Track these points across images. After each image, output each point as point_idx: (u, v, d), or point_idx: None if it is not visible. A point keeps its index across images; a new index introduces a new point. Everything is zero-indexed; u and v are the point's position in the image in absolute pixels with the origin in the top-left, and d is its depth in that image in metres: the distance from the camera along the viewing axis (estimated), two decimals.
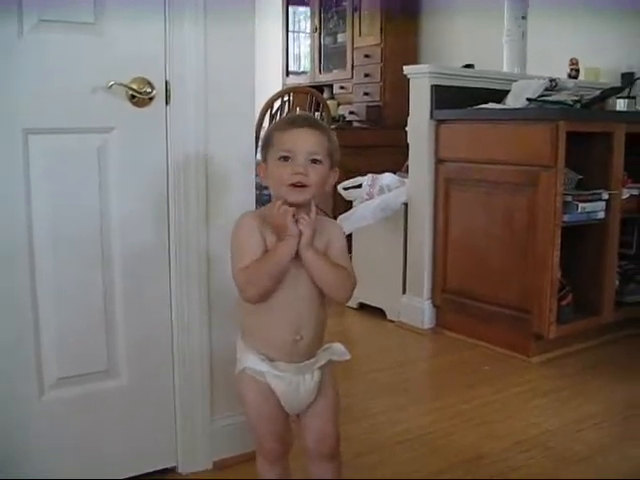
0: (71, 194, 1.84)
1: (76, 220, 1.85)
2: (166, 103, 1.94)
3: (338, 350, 1.66)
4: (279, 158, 1.53)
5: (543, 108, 3.25)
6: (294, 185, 1.51)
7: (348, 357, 1.66)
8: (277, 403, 1.62)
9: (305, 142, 1.53)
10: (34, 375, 1.85)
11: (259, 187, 3.45)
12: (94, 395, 1.95)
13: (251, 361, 1.60)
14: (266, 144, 1.59)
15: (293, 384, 1.60)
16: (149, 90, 1.88)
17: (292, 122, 1.58)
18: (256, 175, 2.08)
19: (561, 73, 4.14)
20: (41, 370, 1.86)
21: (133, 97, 1.87)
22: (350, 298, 1.64)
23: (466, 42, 5.20)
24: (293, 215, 1.50)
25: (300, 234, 1.50)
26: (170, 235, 2.00)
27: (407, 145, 3.69)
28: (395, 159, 4.40)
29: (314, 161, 1.53)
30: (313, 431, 1.67)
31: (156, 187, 1.97)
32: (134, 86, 1.85)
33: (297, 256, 1.52)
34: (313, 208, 1.54)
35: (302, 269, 1.55)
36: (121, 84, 1.83)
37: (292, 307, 1.57)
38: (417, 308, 3.62)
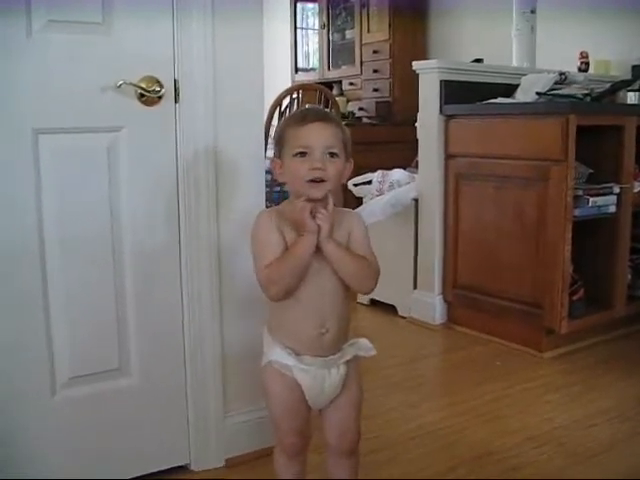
0: (81, 193, 1.84)
1: (86, 219, 1.86)
2: (175, 102, 1.94)
3: (364, 345, 1.66)
4: (295, 154, 1.53)
5: (553, 102, 3.24)
6: (313, 181, 1.52)
7: (374, 353, 1.66)
8: (301, 397, 1.62)
9: (321, 136, 1.53)
10: (46, 374, 1.86)
11: (269, 184, 3.46)
12: (106, 394, 1.96)
13: (277, 354, 1.61)
14: (280, 141, 1.59)
15: (318, 378, 1.61)
16: (158, 89, 1.88)
17: (305, 117, 1.57)
18: (267, 172, 2.08)
19: (571, 67, 4.11)
20: (53, 369, 1.87)
21: (142, 96, 1.87)
22: (374, 288, 1.63)
23: (475, 37, 5.18)
24: (311, 211, 1.50)
25: (319, 228, 1.51)
26: (180, 233, 2.00)
27: (417, 141, 3.68)
28: (405, 155, 4.39)
29: (331, 155, 1.53)
30: (335, 426, 1.68)
31: (166, 185, 1.97)
32: (143, 85, 1.86)
33: (319, 250, 1.53)
34: (330, 201, 1.54)
35: (324, 263, 1.55)
36: (130, 83, 1.83)
37: (316, 301, 1.57)
38: (428, 304, 3.62)
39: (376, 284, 1.62)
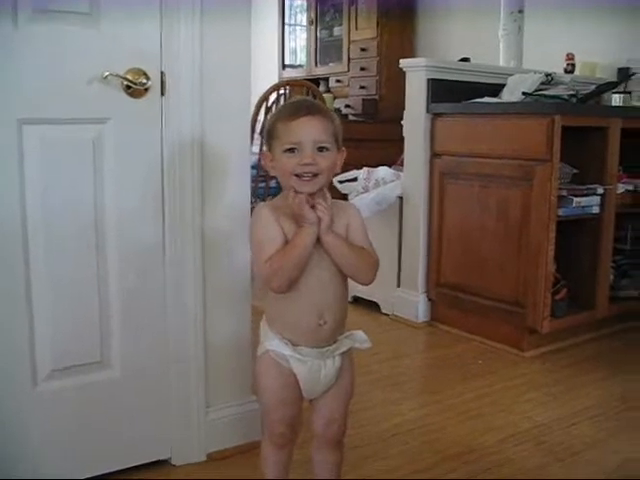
0: (66, 185, 1.83)
1: (71, 211, 1.85)
2: (161, 94, 1.94)
3: (360, 337, 1.67)
4: (285, 150, 1.53)
5: (539, 102, 3.26)
6: (302, 175, 1.52)
7: (369, 345, 1.67)
8: (296, 387, 1.63)
9: (310, 131, 1.52)
10: (28, 366, 1.85)
11: (254, 179, 3.46)
12: (88, 386, 1.95)
13: (275, 345, 1.62)
14: (270, 135, 1.59)
15: (315, 368, 1.62)
16: (144, 81, 1.88)
17: (295, 111, 1.56)
18: (252, 167, 2.09)
19: (557, 68, 4.14)
20: (34, 361, 1.86)
21: (128, 88, 1.86)
22: (373, 279, 1.63)
23: (462, 36, 5.20)
24: (309, 202, 1.51)
25: (319, 220, 1.51)
26: (165, 226, 1.99)
27: (403, 139, 3.69)
28: (391, 152, 4.40)
29: (321, 149, 1.53)
30: (324, 415, 1.70)
31: (151, 178, 1.96)
32: (129, 77, 1.85)
33: (318, 242, 1.54)
34: (327, 194, 1.55)
35: (324, 255, 1.56)
36: (116, 75, 1.83)
37: (315, 292, 1.58)
38: (412, 302, 3.63)
39: (375, 275, 1.63)
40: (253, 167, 2.30)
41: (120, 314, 1.97)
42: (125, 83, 1.85)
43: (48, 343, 1.87)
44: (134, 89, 1.87)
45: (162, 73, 1.92)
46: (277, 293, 1.57)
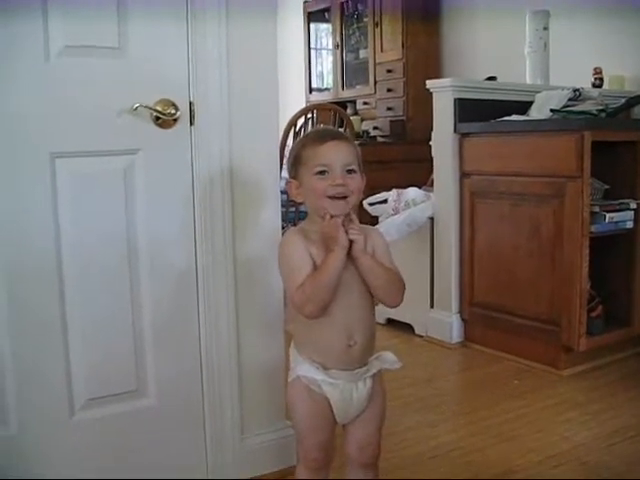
0: (98, 216, 1.86)
1: (104, 242, 1.88)
2: (190, 124, 1.96)
3: (389, 358, 1.69)
4: (316, 173, 1.56)
5: (567, 119, 3.24)
6: (334, 197, 1.55)
7: (399, 366, 1.69)
8: (329, 412, 1.64)
9: (339, 154, 1.57)
10: (64, 396, 1.88)
11: (284, 204, 3.46)
12: (124, 415, 1.97)
13: (306, 369, 1.63)
14: (297, 161, 1.62)
15: (347, 392, 1.63)
16: (173, 111, 1.90)
17: (322, 137, 1.61)
18: (282, 192, 2.10)
19: (585, 83, 4.11)
20: (71, 391, 1.89)
21: (158, 119, 1.89)
22: (401, 302, 1.65)
23: (488, 54, 5.18)
24: (343, 225, 1.54)
25: (351, 242, 1.54)
26: (197, 255, 2.01)
27: (431, 159, 3.69)
28: (420, 173, 4.39)
29: (349, 171, 1.57)
30: (357, 439, 1.70)
31: (183, 206, 1.98)
32: (159, 108, 1.88)
33: (346, 264, 1.55)
34: (354, 217, 1.59)
35: (353, 276, 1.58)
36: (146, 106, 1.85)
37: (344, 314, 1.59)
38: (445, 322, 3.60)
39: (402, 298, 1.65)
40: (283, 192, 2.31)
41: (154, 342, 1.98)
42: (154, 114, 1.88)
43: (83, 373, 1.89)
44: (163, 120, 1.89)
45: (191, 103, 1.95)
46: (311, 319, 1.58)
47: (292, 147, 1.69)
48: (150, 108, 1.86)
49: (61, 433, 1.89)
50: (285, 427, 2.19)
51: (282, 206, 2.22)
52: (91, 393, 1.91)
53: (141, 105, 1.84)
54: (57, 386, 1.86)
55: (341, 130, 1.65)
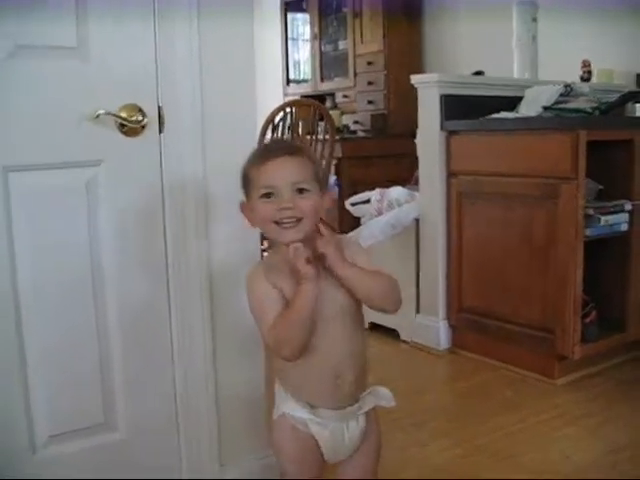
0: (58, 235, 1.69)
1: (65, 265, 1.71)
2: (160, 131, 1.79)
3: (384, 395, 1.54)
4: (261, 196, 1.39)
5: (561, 117, 3.10)
6: (283, 223, 1.38)
7: (394, 404, 1.54)
8: (316, 452, 1.50)
9: (286, 172, 1.38)
10: (24, 434, 1.71)
11: None
12: (91, 450, 1.81)
13: (291, 407, 1.48)
14: (245, 183, 1.45)
15: (337, 432, 1.49)
16: (140, 118, 1.73)
17: (267, 153, 1.43)
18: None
19: (573, 76, 3.99)
20: (32, 428, 1.72)
21: (123, 126, 1.72)
22: (400, 304, 1.48)
23: (472, 47, 5.05)
24: (307, 257, 1.35)
25: (323, 256, 1.37)
26: (168, 274, 1.84)
27: (414, 154, 3.55)
28: (402, 168, 4.28)
29: (300, 191, 1.38)
30: (350, 477, 1.57)
31: (152, 224, 1.81)
32: (124, 114, 1.70)
33: (327, 295, 1.40)
34: (321, 227, 1.40)
35: (335, 304, 1.42)
36: (109, 113, 1.67)
37: (329, 350, 1.44)
38: (432, 328, 3.46)
39: (400, 298, 1.48)
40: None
41: (123, 371, 1.82)
42: (119, 121, 1.70)
43: (45, 408, 1.73)
44: (129, 127, 1.72)
45: (159, 108, 1.77)
46: (290, 362, 1.42)
47: (242, 166, 1.50)
48: (114, 115, 1.68)
49: (23, 473, 1.72)
50: (266, 456, 2.03)
51: None
52: (53, 429, 1.75)
53: (104, 112, 1.66)
54: (16, 423, 1.69)
55: (292, 141, 1.44)
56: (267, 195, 1.38)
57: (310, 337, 1.39)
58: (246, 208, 1.46)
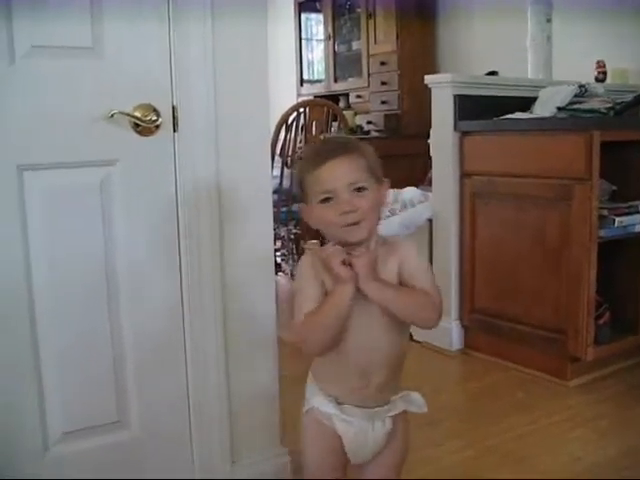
0: (72, 234, 1.70)
1: (79, 263, 1.72)
2: (174, 130, 1.79)
3: (416, 401, 1.51)
4: (320, 201, 1.37)
5: (575, 117, 3.08)
6: (347, 224, 1.36)
7: (425, 410, 1.52)
8: (340, 449, 1.49)
9: (341, 174, 1.36)
10: (38, 430, 1.72)
11: (275, 204, 3.31)
12: (105, 448, 1.82)
13: (319, 402, 1.48)
14: (302, 187, 1.43)
15: (362, 431, 1.47)
16: (154, 118, 1.73)
17: (319, 157, 1.39)
18: (274, 192, 1.93)
19: (588, 76, 3.96)
20: (45, 425, 1.73)
21: (137, 125, 1.72)
22: (437, 320, 1.45)
23: (485, 47, 5.03)
24: (343, 260, 1.34)
25: (355, 272, 1.34)
26: (182, 273, 1.85)
27: (428, 154, 3.53)
28: (416, 168, 4.27)
29: (359, 189, 1.36)
30: None
31: (165, 222, 1.82)
32: (138, 114, 1.71)
33: (365, 296, 1.37)
34: (372, 239, 1.39)
35: (372, 309, 1.39)
36: (124, 112, 1.68)
37: (360, 353, 1.43)
38: (445, 329, 3.44)
39: (439, 316, 1.45)
40: (275, 192, 2.16)
41: (136, 369, 1.83)
42: (133, 121, 1.71)
43: (59, 405, 1.74)
44: (143, 127, 1.72)
45: (174, 108, 1.78)
46: (314, 356, 1.44)
47: (296, 169, 1.49)
48: (128, 114, 1.69)
49: (35, 469, 1.73)
50: (279, 454, 2.04)
51: (273, 206, 2.06)
52: (67, 426, 1.76)
53: (118, 112, 1.67)
54: (29, 420, 1.70)
55: (342, 137, 1.41)
56: (326, 200, 1.36)
57: (338, 336, 1.39)
58: (306, 211, 1.44)
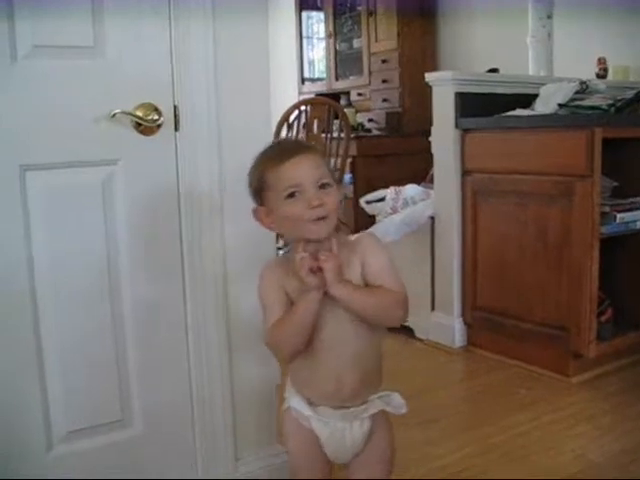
0: (75, 234, 1.70)
1: (81, 263, 1.71)
2: (175, 129, 1.79)
3: (395, 402, 1.51)
4: (286, 197, 1.36)
5: (576, 114, 3.09)
6: (312, 221, 1.35)
7: (404, 411, 1.51)
8: (319, 450, 1.50)
9: (308, 169, 1.36)
10: (41, 429, 1.72)
11: None
12: (108, 447, 1.81)
13: (295, 402, 1.49)
14: (261, 188, 1.42)
15: (338, 431, 1.48)
16: (156, 117, 1.73)
17: (282, 154, 1.39)
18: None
19: (589, 73, 3.97)
20: (49, 424, 1.73)
21: (139, 125, 1.72)
22: (404, 317, 1.43)
23: (486, 44, 5.04)
24: (310, 267, 1.34)
25: (323, 277, 1.33)
26: (185, 273, 1.85)
27: (429, 152, 3.53)
28: (417, 166, 4.26)
29: (323, 186, 1.37)
30: None
31: (168, 221, 1.82)
32: (139, 113, 1.71)
33: (327, 299, 1.36)
34: (333, 240, 1.37)
35: (339, 310, 1.39)
36: (125, 112, 1.68)
37: (331, 353, 1.43)
38: (447, 326, 3.46)
39: (406, 312, 1.42)
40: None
41: (139, 368, 1.83)
42: (135, 120, 1.71)
43: (62, 403, 1.74)
44: (145, 126, 1.72)
45: (175, 107, 1.78)
46: (285, 363, 1.45)
47: (249, 171, 1.46)
48: (130, 114, 1.69)
49: (38, 469, 1.73)
50: (281, 452, 2.04)
51: None
52: (71, 425, 1.76)
53: (120, 111, 1.67)
54: (33, 419, 1.70)
55: (301, 140, 1.42)
56: (292, 195, 1.36)
57: (305, 343, 1.39)
58: (261, 213, 1.44)
